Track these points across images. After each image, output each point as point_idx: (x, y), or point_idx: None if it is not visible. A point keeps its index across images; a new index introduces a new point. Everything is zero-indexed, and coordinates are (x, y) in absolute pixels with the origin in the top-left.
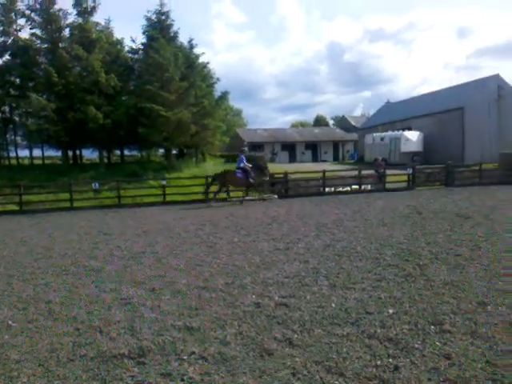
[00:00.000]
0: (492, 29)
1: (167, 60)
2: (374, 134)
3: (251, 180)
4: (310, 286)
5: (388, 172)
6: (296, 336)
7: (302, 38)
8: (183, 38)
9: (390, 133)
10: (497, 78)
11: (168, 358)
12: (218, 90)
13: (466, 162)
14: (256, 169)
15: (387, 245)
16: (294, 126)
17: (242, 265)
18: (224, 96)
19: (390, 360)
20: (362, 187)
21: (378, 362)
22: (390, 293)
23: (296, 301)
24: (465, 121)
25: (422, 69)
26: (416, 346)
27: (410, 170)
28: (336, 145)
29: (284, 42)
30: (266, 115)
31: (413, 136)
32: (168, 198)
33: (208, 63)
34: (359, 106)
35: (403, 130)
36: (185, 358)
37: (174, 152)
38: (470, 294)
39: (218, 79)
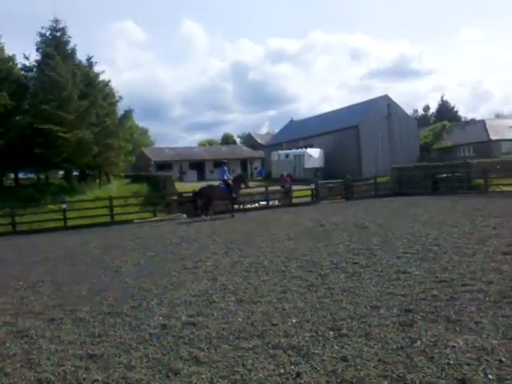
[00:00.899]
0: (381, 53)
1: (64, 78)
2: (279, 151)
3: (234, 194)
4: (217, 302)
5: (293, 187)
6: (203, 354)
7: (206, 57)
8: (82, 56)
9: (294, 150)
10: (386, 97)
11: None
12: (122, 108)
13: (363, 176)
14: (238, 181)
15: (292, 257)
16: (201, 144)
17: (148, 287)
18: (127, 114)
19: (293, 367)
20: (270, 203)
21: (282, 371)
22: (293, 303)
23: (203, 319)
24: (360, 138)
25: (321, 88)
26: (316, 351)
27: (313, 186)
28: (244, 162)
29: (188, 60)
30: (173, 134)
31: (315, 153)
32: (70, 223)
33: (109, 81)
34: (265, 124)
35: (306, 147)
36: None
37: (76, 173)
38: (365, 299)
39: (120, 97)
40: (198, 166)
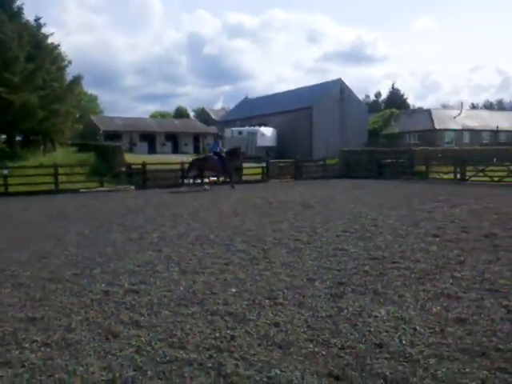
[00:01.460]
0: (338, 37)
1: (9, 37)
2: (233, 128)
3: (226, 166)
4: (161, 272)
5: (245, 165)
6: (143, 318)
7: (161, 26)
8: (30, 16)
9: (247, 127)
10: (339, 81)
11: (8, 348)
12: (71, 73)
13: (314, 157)
14: (232, 154)
15: (238, 233)
16: (153, 116)
17: (91, 256)
18: (76, 80)
19: (228, 331)
20: (220, 179)
21: (217, 334)
22: (235, 275)
23: (146, 287)
24: (313, 119)
25: (277, 67)
26: (252, 318)
27: (264, 164)
28: (196, 137)
29: (143, 28)
30: (124, 104)
31: (268, 132)
32: (11, 189)
33: (59, 45)
34: (220, 99)
35: (259, 125)
36: (26, 346)
37: (19, 139)
38: (303, 272)
39: (69, 62)
40: (149, 138)
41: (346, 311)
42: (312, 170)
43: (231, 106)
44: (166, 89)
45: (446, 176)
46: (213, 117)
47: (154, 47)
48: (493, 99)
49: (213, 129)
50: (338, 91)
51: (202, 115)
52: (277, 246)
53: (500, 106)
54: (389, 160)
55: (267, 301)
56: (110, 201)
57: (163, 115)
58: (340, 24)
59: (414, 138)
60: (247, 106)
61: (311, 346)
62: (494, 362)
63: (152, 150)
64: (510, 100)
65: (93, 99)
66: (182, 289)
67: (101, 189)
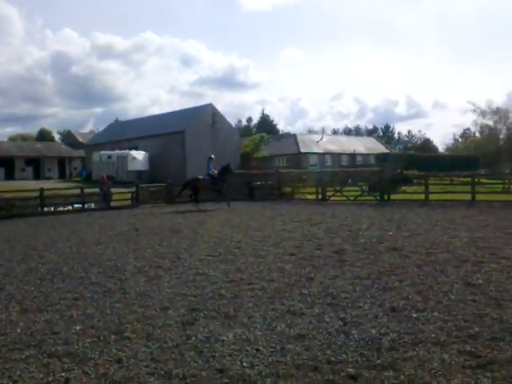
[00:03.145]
0: (212, 62)
1: None
2: (102, 152)
3: (216, 186)
4: None
5: (114, 190)
6: None
7: (21, 43)
8: None
9: (117, 151)
10: (211, 106)
11: None
12: None
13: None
14: (224, 172)
15: (96, 263)
16: (12, 139)
17: None
18: None
19: (63, 374)
20: (86, 206)
21: (50, 379)
22: (83, 310)
23: None
24: (185, 143)
25: (151, 90)
26: (93, 356)
27: (133, 188)
28: (62, 161)
29: (1, 45)
30: None
31: (139, 155)
32: None
33: None
34: (91, 122)
35: (130, 149)
36: None
37: None
38: (158, 301)
39: None
40: (7, 163)
41: (194, 338)
42: (185, 193)
43: (102, 128)
44: (28, 110)
45: (309, 196)
46: (80, 140)
47: (13, 65)
48: (351, 125)
49: (80, 152)
50: (210, 116)
51: (69, 138)
52: (136, 275)
53: (357, 132)
54: (258, 182)
55: (113, 336)
56: None
57: (25, 138)
58: (213, 50)
59: (282, 160)
60: (117, 128)
61: (152, 379)
62: (324, 375)
63: (9, 175)
64: (365, 126)
65: None
66: (19, 331)
67: None
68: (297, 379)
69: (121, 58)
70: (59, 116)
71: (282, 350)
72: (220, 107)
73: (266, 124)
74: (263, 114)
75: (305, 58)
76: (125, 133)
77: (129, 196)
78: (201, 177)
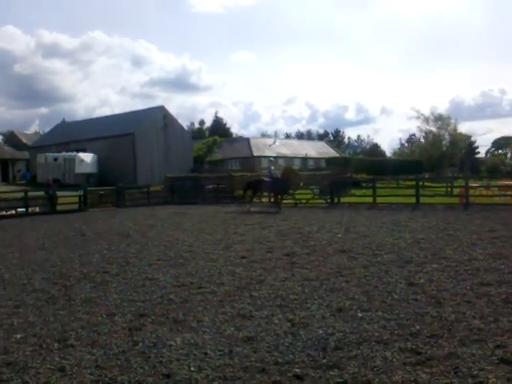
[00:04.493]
0: (163, 64)
1: None
2: (47, 154)
3: (277, 187)
4: None
5: (60, 193)
6: None
7: None
8: None
9: (64, 153)
10: (162, 108)
11: None
12: None
13: (139, 184)
14: (286, 174)
15: (40, 269)
16: None
17: None
18: None
19: None
20: (30, 210)
21: None
22: (25, 318)
23: None
24: (136, 145)
25: (100, 91)
26: (34, 365)
27: (81, 192)
28: (5, 163)
29: None
30: None
31: (87, 158)
32: None
33: None
34: (35, 122)
35: (78, 151)
36: None
37: None
38: (104, 307)
39: None
40: None
41: (140, 344)
42: (136, 197)
43: (48, 129)
44: None
45: (264, 199)
46: (24, 141)
47: None
48: (303, 129)
49: (24, 154)
50: (161, 118)
51: (12, 139)
52: (81, 281)
53: (309, 136)
54: (211, 186)
55: (56, 344)
56: None
57: None
58: (164, 51)
59: (235, 164)
60: (65, 129)
61: None
62: (271, 376)
63: None
64: (316, 131)
65: None
66: None
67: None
68: (244, 381)
69: (68, 57)
70: (2, 116)
71: (230, 353)
72: (172, 109)
73: (219, 127)
74: (216, 117)
75: (258, 62)
76: (72, 134)
77: (76, 199)
78: (265, 179)
